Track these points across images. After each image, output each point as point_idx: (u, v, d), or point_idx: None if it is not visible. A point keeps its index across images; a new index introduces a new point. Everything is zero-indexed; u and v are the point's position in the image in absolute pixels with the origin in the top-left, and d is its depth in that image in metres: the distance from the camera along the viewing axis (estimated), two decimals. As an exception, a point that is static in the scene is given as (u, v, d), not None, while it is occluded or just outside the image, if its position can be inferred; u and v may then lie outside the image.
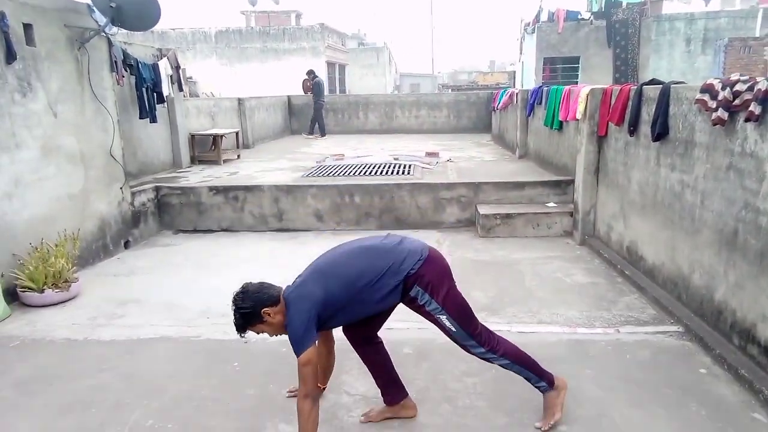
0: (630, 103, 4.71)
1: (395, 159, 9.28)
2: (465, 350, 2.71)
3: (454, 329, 2.61)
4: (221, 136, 9.58)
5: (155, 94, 7.59)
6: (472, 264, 5.34)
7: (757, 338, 3.07)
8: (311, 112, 14.40)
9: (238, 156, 10.38)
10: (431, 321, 2.66)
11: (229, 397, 3.09)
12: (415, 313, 2.69)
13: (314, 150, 11.33)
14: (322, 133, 14.10)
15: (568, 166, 6.71)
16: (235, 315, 2.49)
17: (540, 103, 8.26)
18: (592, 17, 20.22)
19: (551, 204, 6.57)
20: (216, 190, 6.92)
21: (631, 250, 4.85)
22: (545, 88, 8.05)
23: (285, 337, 2.49)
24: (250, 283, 2.58)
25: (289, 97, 15.41)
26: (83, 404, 3.04)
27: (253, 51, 28.25)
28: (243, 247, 6.21)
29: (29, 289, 4.44)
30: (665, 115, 4.04)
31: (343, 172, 7.93)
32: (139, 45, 8.04)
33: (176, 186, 7.01)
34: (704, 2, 21.18)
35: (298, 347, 2.41)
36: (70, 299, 4.61)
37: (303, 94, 15.02)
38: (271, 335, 2.59)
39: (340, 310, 2.54)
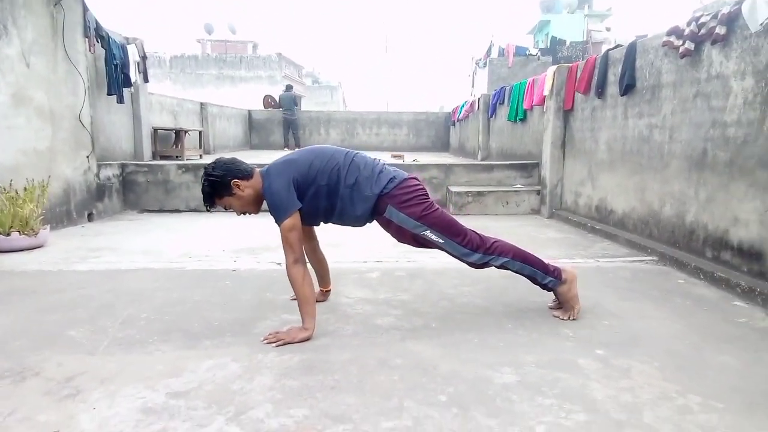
0: (596, 70, 5.07)
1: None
2: (464, 262, 2.67)
3: (441, 241, 2.58)
4: (185, 131, 9.46)
5: (123, 75, 7.47)
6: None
7: (730, 243, 3.30)
8: (272, 128, 14.48)
9: (201, 156, 10.24)
10: (421, 244, 2.63)
11: (225, 301, 3.00)
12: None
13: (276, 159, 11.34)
14: (285, 145, 14.15)
15: (533, 153, 7.03)
16: (203, 183, 2.46)
17: (502, 103, 8.68)
18: (539, 53, 21.53)
19: (519, 186, 6.83)
20: (185, 167, 6.79)
21: (600, 207, 5.11)
22: (507, 87, 8.48)
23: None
24: (223, 156, 2.53)
25: (249, 112, 15.42)
26: (68, 307, 2.87)
27: (209, 77, 28.23)
28: (213, 222, 6.08)
29: (-7, 231, 4.19)
30: (632, 68, 4.38)
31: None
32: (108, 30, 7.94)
33: (143, 163, 6.84)
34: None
35: (279, 213, 2.38)
36: (37, 247, 4.36)
37: (263, 109, 15.11)
38: (238, 212, 2.55)
39: (314, 191, 2.47)
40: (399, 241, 2.69)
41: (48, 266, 3.78)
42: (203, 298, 3.04)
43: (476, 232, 2.67)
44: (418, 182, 2.64)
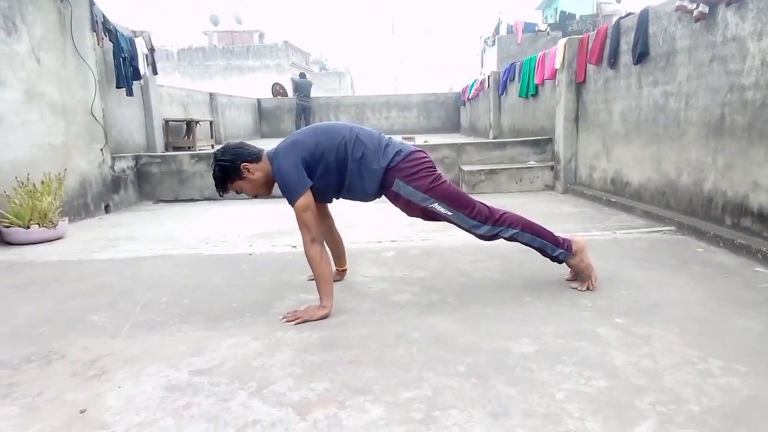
0: (608, 39, 4.97)
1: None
2: (473, 235, 2.66)
3: (450, 213, 2.57)
4: (196, 122, 9.51)
5: (132, 68, 7.50)
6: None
7: (750, 209, 3.25)
8: (281, 116, 14.50)
9: (212, 146, 10.28)
10: (429, 217, 2.62)
11: (244, 283, 3.03)
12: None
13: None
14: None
15: (546, 129, 6.95)
16: (214, 169, 2.49)
17: (513, 79, 8.57)
18: (548, 28, 21.18)
19: (532, 162, 6.77)
20: (198, 157, 6.84)
21: (615, 180, 5.05)
22: (517, 63, 8.37)
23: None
24: (231, 141, 2.57)
25: (259, 101, 15.43)
26: (89, 294, 2.92)
27: (217, 68, 28.27)
28: (228, 210, 6.14)
29: (14, 225, 4.26)
30: (645, 36, 4.29)
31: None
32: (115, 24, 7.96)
33: (156, 154, 6.89)
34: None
35: (292, 194, 2.38)
36: (56, 239, 4.44)
37: (272, 97, 15.12)
38: (250, 195, 2.57)
39: (324, 168, 2.47)
40: (408, 215, 2.69)
41: (68, 256, 3.84)
42: (221, 281, 3.08)
43: (485, 204, 2.66)
44: (425, 155, 2.63)
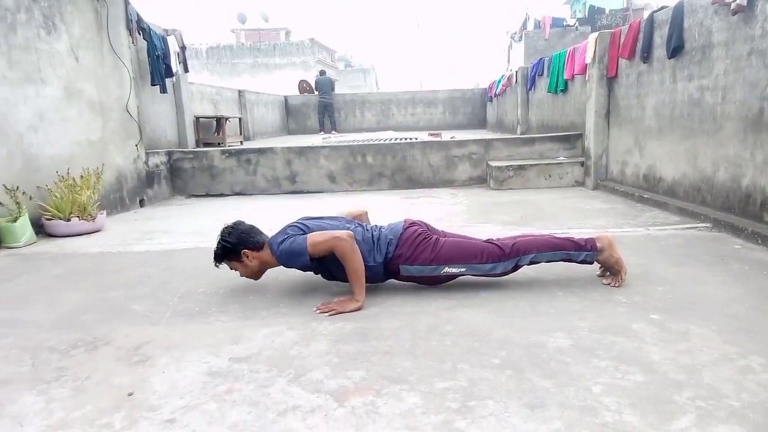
0: (641, 34, 4.89)
1: (401, 138, 9.41)
2: (493, 277, 2.67)
3: (464, 269, 2.60)
4: (226, 119, 9.65)
5: (165, 66, 7.66)
6: (490, 204, 5.41)
7: (790, 205, 3.17)
8: (308, 112, 14.61)
9: (241, 142, 10.44)
10: (445, 280, 2.66)
11: (276, 275, 3.07)
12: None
13: (315, 142, 11.43)
14: (320, 128, 14.27)
15: (575, 124, 6.87)
16: (217, 245, 2.65)
17: (541, 74, 8.48)
18: (577, 23, 20.85)
19: (561, 158, 6.70)
20: (228, 153, 6.96)
21: (648, 176, 4.97)
22: (546, 58, 8.28)
23: None
24: (243, 222, 2.73)
25: (286, 98, 15.58)
26: (129, 284, 3.02)
27: (244, 66, 28.60)
28: (258, 204, 6.24)
29: (55, 218, 4.41)
30: (680, 29, 4.21)
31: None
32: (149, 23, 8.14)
33: (188, 150, 7.04)
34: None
35: (296, 256, 2.51)
36: (95, 231, 4.58)
37: (299, 94, 15.25)
38: (242, 275, 2.72)
39: (320, 261, 2.58)
40: (429, 285, 2.72)
41: (107, 248, 3.96)
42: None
43: (492, 241, 2.66)
44: (414, 227, 2.68)
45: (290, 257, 2.53)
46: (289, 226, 2.69)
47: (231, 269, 2.73)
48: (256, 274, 2.73)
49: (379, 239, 2.63)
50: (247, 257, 2.62)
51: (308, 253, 2.47)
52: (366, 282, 2.54)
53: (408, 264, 2.60)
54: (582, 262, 2.67)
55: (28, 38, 4.54)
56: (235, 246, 2.61)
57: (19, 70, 4.44)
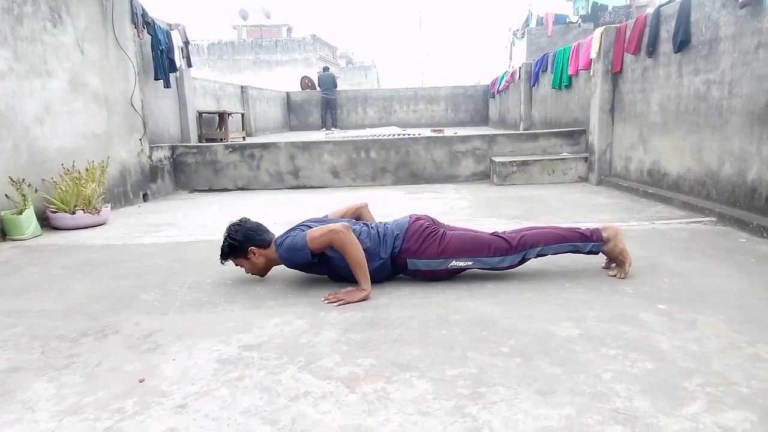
0: (647, 28, 4.88)
1: (404, 133, 9.41)
2: (501, 270, 2.68)
3: (471, 263, 2.61)
4: (228, 114, 9.65)
5: (168, 60, 7.65)
6: (494, 199, 5.41)
7: (796, 198, 3.17)
8: (310, 109, 14.61)
9: (244, 138, 10.44)
10: (452, 274, 2.67)
11: (287, 272, 3.09)
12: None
13: (319, 138, 11.43)
14: (323, 125, 14.27)
15: (579, 120, 6.86)
16: (224, 242, 2.66)
17: (545, 70, 8.48)
18: (579, 20, 20.80)
19: (565, 154, 6.70)
20: (232, 148, 6.97)
21: (652, 171, 4.97)
22: (550, 54, 8.27)
23: None
24: (249, 219, 2.74)
25: (288, 94, 15.57)
26: (138, 275, 3.03)
27: (246, 62, 28.58)
28: (262, 199, 6.25)
29: (60, 211, 4.42)
30: (687, 23, 4.20)
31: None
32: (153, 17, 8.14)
33: (192, 144, 7.04)
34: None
35: (298, 252, 2.53)
36: (100, 224, 4.59)
37: (301, 90, 15.24)
38: (247, 272, 2.75)
39: (326, 260, 2.60)
40: (438, 280, 2.70)
41: (113, 240, 3.97)
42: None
43: (499, 235, 2.66)
44: (420, 221, 2.68)
45: (291, 252, 2.54)
46: (294, 227, 2.72)
47: (236, 266, 2.75)
48: (261, 272, 2.75)
49: (385, 235, 2.64)
50: (254, 254, 2.65)
51: (308, 247, 2.48)
52: (374, 280, 2.55)
53: (415, 258, 2.61)
54: (588, 252, 2.68)
55: (34, 30, 4.54)
56: (242, 243, 2.63)
57: (26, 63, 4.44)
